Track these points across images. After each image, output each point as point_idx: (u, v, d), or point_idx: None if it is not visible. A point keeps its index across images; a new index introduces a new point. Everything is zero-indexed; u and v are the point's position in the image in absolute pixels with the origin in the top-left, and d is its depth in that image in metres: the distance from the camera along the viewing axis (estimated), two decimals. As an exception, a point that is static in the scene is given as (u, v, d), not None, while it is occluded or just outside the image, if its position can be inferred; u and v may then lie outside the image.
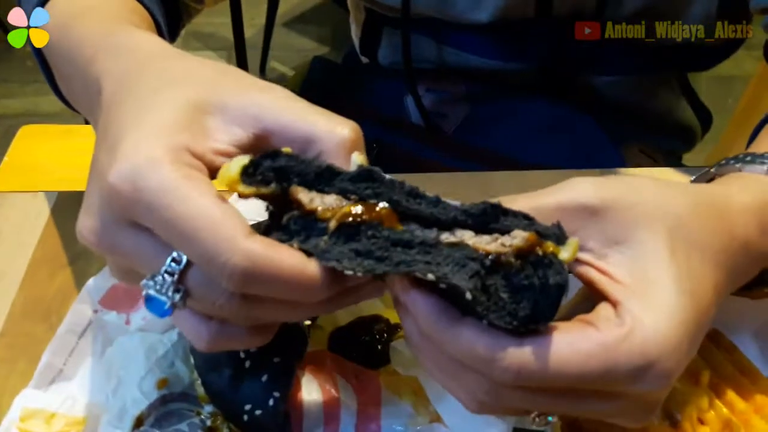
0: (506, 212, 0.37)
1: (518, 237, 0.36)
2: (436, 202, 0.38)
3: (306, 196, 0.38)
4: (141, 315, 0.59)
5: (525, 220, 0.37)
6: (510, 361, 0.35)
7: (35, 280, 0.63)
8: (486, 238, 0.37)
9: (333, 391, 0.55)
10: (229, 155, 0.39)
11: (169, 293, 0.37)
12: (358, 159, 0.40)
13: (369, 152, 0.98)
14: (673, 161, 1.04)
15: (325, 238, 0.37)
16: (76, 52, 0.50)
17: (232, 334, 0.39)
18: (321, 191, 0.39)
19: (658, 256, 0.39)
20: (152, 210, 0.35)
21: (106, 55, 0.46)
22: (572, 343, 0.35)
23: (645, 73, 0.92)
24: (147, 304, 0.38)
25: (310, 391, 0.54)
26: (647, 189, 0.42)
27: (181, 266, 0.36)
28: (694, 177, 0.56)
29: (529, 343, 0.35)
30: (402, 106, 0.93)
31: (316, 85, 1.04)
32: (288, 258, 0.36)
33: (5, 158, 0.78)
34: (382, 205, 0.38)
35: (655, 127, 1.00)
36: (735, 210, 0.44)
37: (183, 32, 0.83)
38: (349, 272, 0.36)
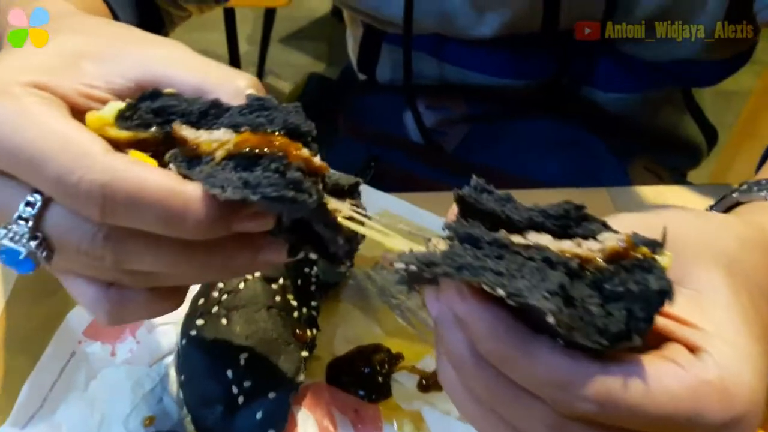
0: (587, 216, 0.33)
1: (611, 239, 0.32)
2: (507, 198, 0.33)
3: (191, 133, 0.34)
4: (127, 347, 0.56)
5: (605, 227, 0.33)
6: (595, 389, 0.30)
7: (17, 309, 0.60)
8: (567, 243, 0.32)
9: (331, 427, 0.51)
10: (106, 103, 0.36)
11: (24, 241, 0.33)
12: (249, 92, 0.36)
13: (366, 171, 0.95)
14: (678, 178, 1.02)
15: (212, 163, 0.33)
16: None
17: (133, 301, 0.36)
18: (209, 129, 0.35)
19: (723, 298, 0.35)
20: None
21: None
22: (661, 379, 0.31)
23: (649, 88, 0.89)
24: (2, 257, 0.34)
25: (307, 427, 0.51)
26: (690, 226, 0.39)
27: (36, 210, 0.33)
28: (715, 202, 0.53)
29: (616, 370, 0.31)
30: (400, 124, 0.91)
31: (312, 102, 1.02)
32: (156, 176, 0.32)
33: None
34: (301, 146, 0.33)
35: (660, 144, 0.97)
36: None
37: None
38: (234, 198, 0.31)
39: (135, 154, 0.34)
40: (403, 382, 0.55)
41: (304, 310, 0.54)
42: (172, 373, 0.54)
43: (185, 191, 0.32)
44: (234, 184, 0.32)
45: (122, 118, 0.34)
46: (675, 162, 1.00)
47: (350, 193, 0.38)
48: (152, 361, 0.55)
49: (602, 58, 0.83)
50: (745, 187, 0.50)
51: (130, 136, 0.34)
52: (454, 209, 0.35)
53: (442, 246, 0.33)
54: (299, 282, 0.56)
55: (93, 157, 0.31)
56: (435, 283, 0.33)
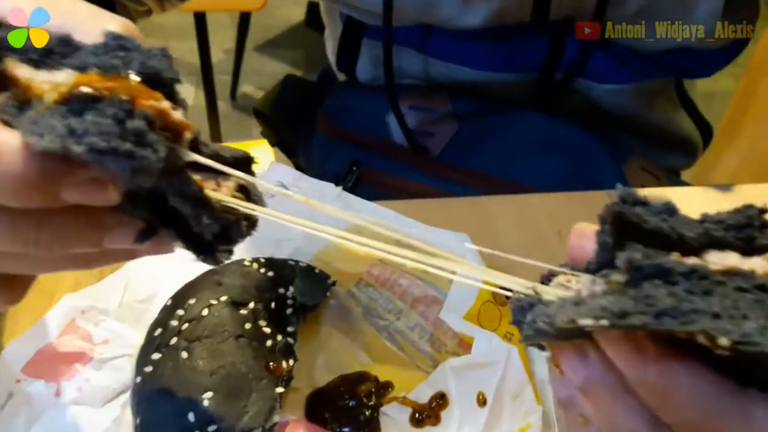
0: (765, 222, 0.27)
1: None
2: (669, 210, 0.27)
3: (26, 73, 0.28)
4: (75, 384, 0.48)
5: None
6: None
7: (-50, 343, 0.53)
8: (758, 260, 0.25)
9: (312, 472, 0.45)
10: None
11: None
12: (110, 30, 0.30)
13: (348, 176, 0.89)
14: (675, 179, 0.98)
15: (40, 107, 0.27)
16: None
17: None
18: (52, 69, 0.29)
19: None
20: None
21: None
22: None
23: (644, 79, 0.85)
24: None
25: (284, 474, 0.44)
26: None
27: None
28: None
29: None
30: (383, 126, 0.85)
31: (289, 105, 0.96)
32: None
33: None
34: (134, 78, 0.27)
35: (655, 141, 0.94)
36: None
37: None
38: (51, 147, 0.25)
39: None
40: (394, 416, 0.49)
41: (279, 337, 0.47)
42: (127, 415, 0.46)
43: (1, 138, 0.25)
44: (57, 131, 0.25)
45: None
46: (672, 160, 0.97)
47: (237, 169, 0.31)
48: (104, 402, 0.47)
49: (596, 48, 0.79)
50: None
51: None
52: (582, 231, 0.28)
53: (584, 286, 0.26)
54: (273, 305, 0.49)
55: None
56: (578, 337, 0.27)
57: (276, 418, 0.43)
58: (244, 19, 2.37)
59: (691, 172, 1.51)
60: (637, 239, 0.26)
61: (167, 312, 0.48)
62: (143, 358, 0.45)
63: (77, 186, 0.27)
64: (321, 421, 0.48)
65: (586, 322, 0.23)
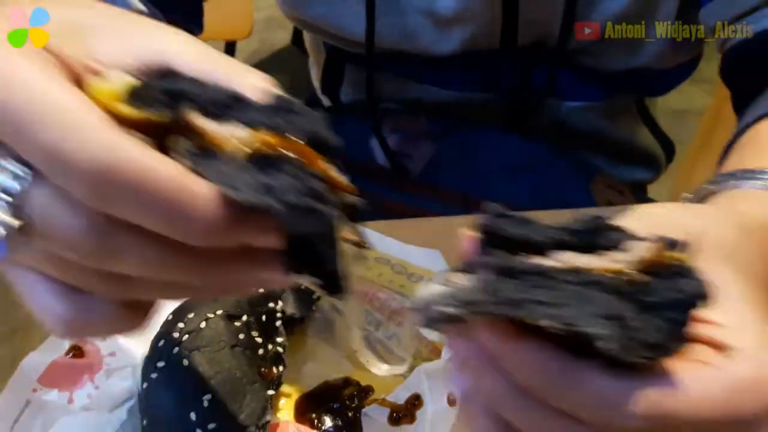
0: (609, 226, 0.32)
1: (641, 247, 0.30)
2: (526, 221, 0.31)
3: (206, 124, 0.29)
4: (86, 392, 0.53)
5: (624, 234, 0.32)
6: (642, 405, 0.30)
7: (-33, 357, 0.57)
8: (596, 258, 0.30)
9: (301, 467, 0.50)
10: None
11: (6, 219, 0.28)
12: (275, 91, 0.32)
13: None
14: (641, 195, 1.03)
15: (224, 159, 0.29)
16: None
17: (98, 312, 0.31)
18: (220, 121, 0.30)
19: (735, 290, 0.35)
20: None
21: None
22: (699, 383, 0.30)
23: (608, 96, 0.90)
24: None
25: (276, 468, 0.49)
26: (683, 221, 0.38)
27: (26, 185, 0.28)
28: (688, 194, 0.53)
29: (658, 382, 0.30)
30: (367, 149, 0.90)
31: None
32: (165, 164, 0.27)
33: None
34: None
35: (618, 156, 0.98)
36: (758, 229, 0.41)
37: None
38: (246, 200, 0.27)
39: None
40: (374, 417, 0.53)
41: (270, 346, 0.53)
42: (134, 420, 0.51)
43: (195, 187, 0.28)
44: (253, 186, 0.28)
45: (133, 95, 0.29)
46: (635, 174, 1.01)
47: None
48: (112, 407, 0.52)
49: (562, 70, 0.84)
50: (718, 179, 0.50)
51: (141, 116, 0.29)
52: (466, 239, 0.32)
53: (460, 280, 0.31)
54: (264, 318, 0.54)
55: (96, 129, 0.27)
56: (457, 322, 0.30)
57: (268, 418, 0.49)
58: (230, 46, 2.40)
59: (665, 189, 1.56)
60: (501, 246, 0.31)
61: (169, 325, 0.53)
62: (148, 366, 0.50)
63: (255, 230, 0.29)
64: (308, 422, 0.53)
65: (436, 308, 0.29)
